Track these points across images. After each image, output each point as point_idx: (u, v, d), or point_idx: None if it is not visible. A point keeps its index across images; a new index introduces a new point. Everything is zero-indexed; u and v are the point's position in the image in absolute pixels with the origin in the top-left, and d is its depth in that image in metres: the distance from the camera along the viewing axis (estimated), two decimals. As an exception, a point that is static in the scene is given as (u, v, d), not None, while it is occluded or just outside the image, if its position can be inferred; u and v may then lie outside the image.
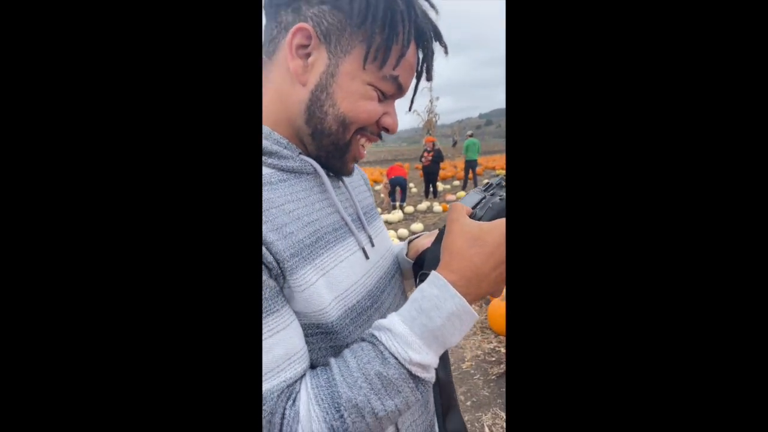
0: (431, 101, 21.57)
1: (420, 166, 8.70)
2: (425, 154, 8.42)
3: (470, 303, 0.41)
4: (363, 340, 0.41)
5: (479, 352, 2.44)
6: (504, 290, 0.45)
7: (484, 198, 0.48)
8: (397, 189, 7.72)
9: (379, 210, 7.13)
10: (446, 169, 14.60)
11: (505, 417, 1.87)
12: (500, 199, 0.46)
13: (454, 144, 23.56)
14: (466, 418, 1.89)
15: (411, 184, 9.54)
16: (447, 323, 0.39)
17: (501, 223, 0.42)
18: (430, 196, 8.85)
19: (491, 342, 2.54)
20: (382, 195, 8.44)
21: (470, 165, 9.55)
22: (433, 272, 0.42)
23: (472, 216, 0.46)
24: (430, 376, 0.40)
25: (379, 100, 0.47)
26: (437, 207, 7.30)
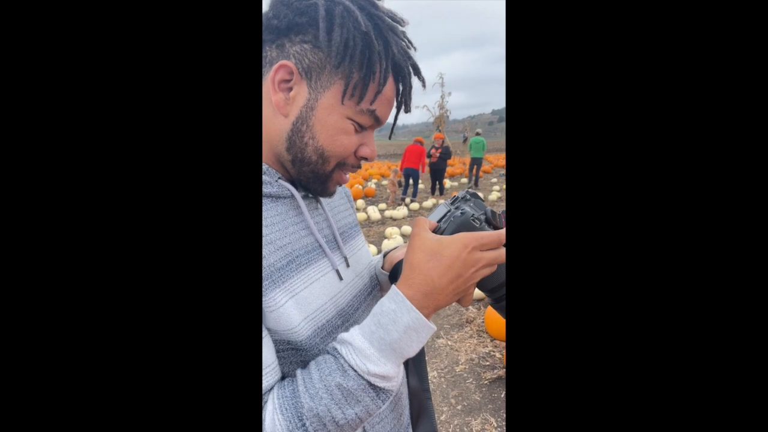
0: (442, 97, 21.37)
1: (427, 162, 8.69)
2: (433, 150, 8.39)
3: (428, 316, 0.43)
4: (327, 352, 0.44)
5: (474, 356, 2.44)
6: (471, 299, 0.46)
7: (449, 211, 0.49)
8: (410, 180, 7.72)
9: (384, 206, 7.14)
10: (455, 165, 14.53)
11: (494, 423, 1.87)
12: (461, 213, 0.47)
13: (465, 140, 23.37)
14: (455, 422, 1.90)
15: (419, 181, 9.55)
16: (404, 336, 0.41)
17: (460, 237, 0.43)
18: (437, 193, 8.82)
19: (486, 346, 2.54)
20: (388, 190, 8.43)
21: (475, 162, 9.95)
22: (392, 286, 0.44)
23: (437, 230, 0.48)
24: (391, 385, 0.42)
25: (357, 131, 0.49)
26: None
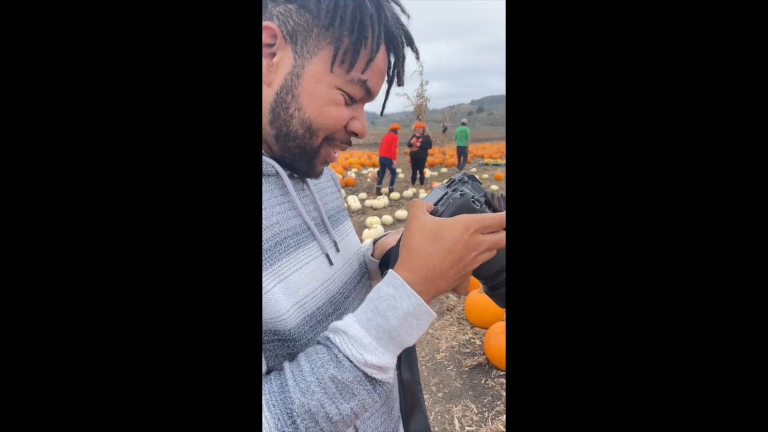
0: (422, 85, 21.30)
1: (408, 151, 8.67)
2: (414, 139, 8.36)
3: (428, 301, 0.40)
4: (318, 343, 0.41)
5: (454, 343, 2.46)
6: (467, 287, 0.44)
7: (446, 194, 0.47)
8: (386, 170, 7.68)
9: (364, 195, 7.10)
10: (435, 155, 14.58)
11: (474, 409, 1.90)
12: (460, 195, 0.45)
13: (445, 130, 23.50)
14: (436, 410, 1.91)
15: (399, 170, 9.52)
16: (403, 323, 0.39)
17: (460, 219, 0.41)
18: (417, 182, 8.83)
19: (467, 333, 2.57)
20: (369, 179, 8.38)
21: (459, 151, 10.46)
22: (390, 271, 0.41)
23: (434, 212, 0.46)
24: (388, 376, 0.40)
25: (347, 104, 0.45)
26: (423, 194, 7.29)
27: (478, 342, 2.46)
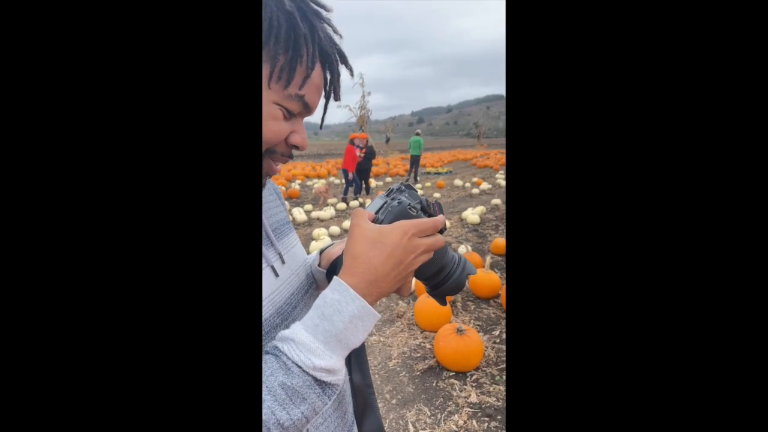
0: (363, 96, 21.61)
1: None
2: (358, 150, 8.43)
3: (372, 303, 0.43)
4: (267, 353, 0.41)
5: (406, 349, 2.50)
6: (410, 288, 0.47)
7: (386, 203, 0.50)
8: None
9: (310, 207, 7.00)
10: (379, 165, 14.80)
11: (428, 412, 1.94)
12: (398, 203, 0.48)
13: (387, 141, 23.98)
14: (391, 417, 1.92)
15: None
16: (349, 326, 0.41)
17: (399, 224, 0.44)
18: (363, 192, 8.89)
19: (417, 338, 2.62)
20: (314, 191, 8.28)
21: (412, 160, 11.53)
22: (335, 277, 0.43)
23: (375, 220, 0.48)
24: (337, 379, 0.41)
25: (286, 118, 0.47)
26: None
27: (428, 346, 2.52)
